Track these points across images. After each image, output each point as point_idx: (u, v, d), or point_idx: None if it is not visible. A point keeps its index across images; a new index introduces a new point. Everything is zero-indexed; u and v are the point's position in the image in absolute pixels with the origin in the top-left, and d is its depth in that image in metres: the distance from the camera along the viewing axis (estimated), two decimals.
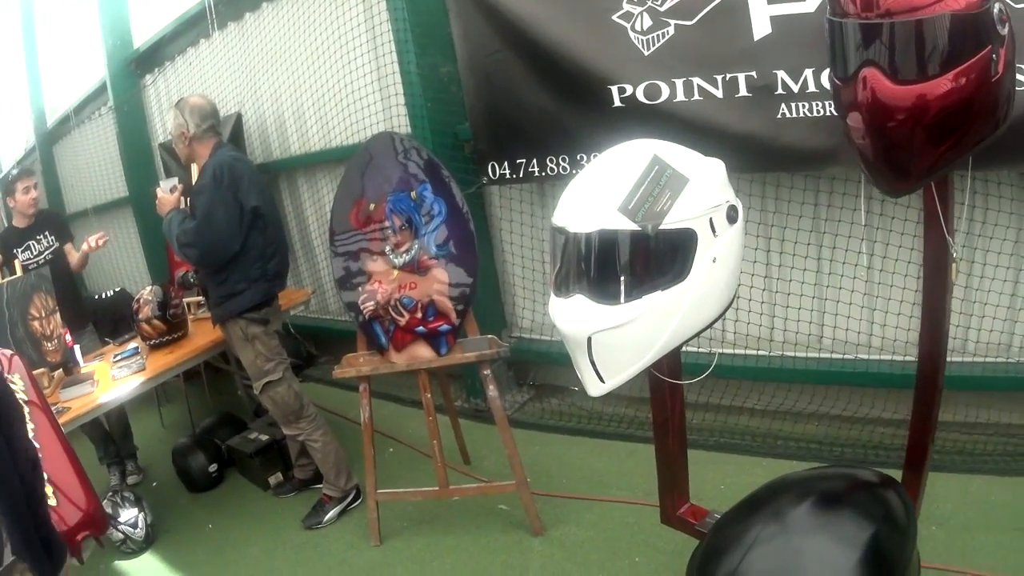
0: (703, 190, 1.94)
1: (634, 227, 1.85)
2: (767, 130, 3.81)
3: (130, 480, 5.68)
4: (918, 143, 1.95)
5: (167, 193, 4.41)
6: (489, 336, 4.02)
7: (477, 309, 4.09)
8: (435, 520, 4.40)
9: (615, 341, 1.92)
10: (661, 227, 1.86)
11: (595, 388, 1.99)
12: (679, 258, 1.90)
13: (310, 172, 6.73)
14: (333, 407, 5.94)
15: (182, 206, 4.39)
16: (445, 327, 3.98)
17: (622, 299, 1.89)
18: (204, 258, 4.25)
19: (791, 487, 1.81)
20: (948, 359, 3.99)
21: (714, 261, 1.94)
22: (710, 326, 2.06)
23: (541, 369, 5.80)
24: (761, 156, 3.86)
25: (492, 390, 4.01)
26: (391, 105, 5.52)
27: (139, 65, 8.44)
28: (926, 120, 1.91)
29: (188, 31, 7.48)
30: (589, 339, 1.93)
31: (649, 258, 1.90)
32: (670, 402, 2.35)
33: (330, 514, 4.61)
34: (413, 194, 4.00)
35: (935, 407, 2.22)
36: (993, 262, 3.82)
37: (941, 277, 2.00)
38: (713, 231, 1.93)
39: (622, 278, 1.90)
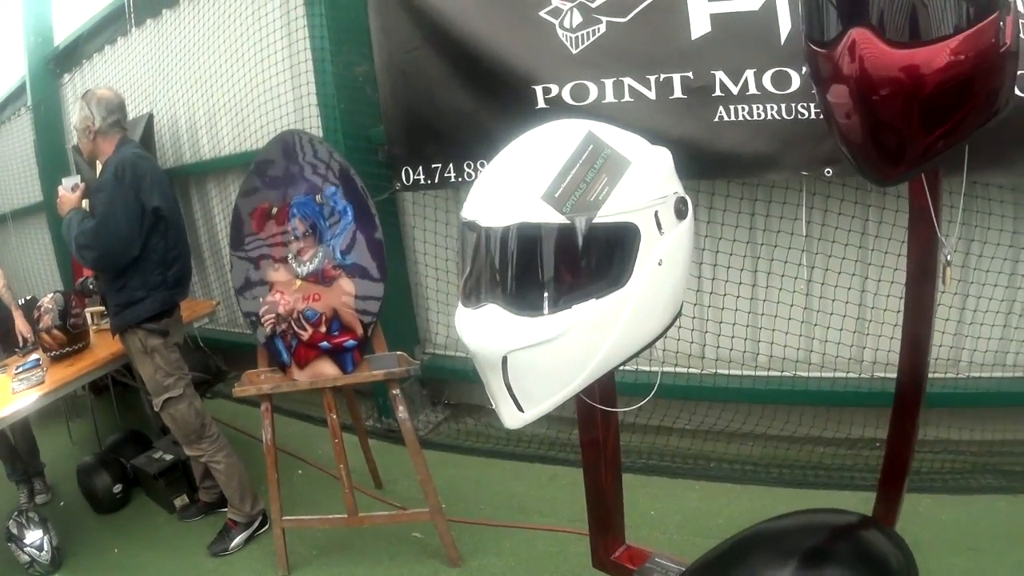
0: (647, 177, 1.50)
1: (562, 220, 1.41)
2: (703, 134, 3.54)
3: (39, 499, 5.18)
4: (914, 121, 1.52)
5: (68, 191, 3.99)
6: (399, 352, 3.61)
7: (387, 324, 3.71)
8: (346, 549, 3.98)
9: (537, 362, 1.48)
10: (596, 220, 1.43)
11: (512, 419, 1.54)
12: (617, 259, 1.47)
13: (220, 177, 6.33)
14: (242, 426, 5.50)
15: (84, 206, 3.99)
16: (351, 342, 3.54)
17: (546, 310, 1.45)
18: (102, 261, 3.82)
19: (766, 542, 1.35)
20: (883, 374, 3.76)
21: (660, 264, 1.51)
22: (652, 344, 1.61)
23: (456, 388, 5.44)
24: (697, 162, 3.53)
25: (402, 411, 3.57)
26: (304, 106, 5.12)
27: (58, 64, 7.97)
28: (923, 94, 1.50)
29: (107, 28, 7.07)
30: (505, 359, 1.48)
31: (580, 259, 1.45)
32: (602, 432, 1.92)
33: (236, 540, 4.17)
34: (318, 198, 3.58)
35: (915, 425, 1.80)
36: (954, 276, 3.56)
37: (927, 283, 1.60)
38: (659, 227, 1.50)
39: (546, 284, 1.45)
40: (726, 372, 4.13)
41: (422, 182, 4.52)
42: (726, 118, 3.47)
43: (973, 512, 3.43)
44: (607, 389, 1.84)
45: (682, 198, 1.56)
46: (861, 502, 3.47)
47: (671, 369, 4.18)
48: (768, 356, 4.06)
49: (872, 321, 3.78)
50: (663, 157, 1.59)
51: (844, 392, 3.83)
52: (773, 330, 3.99)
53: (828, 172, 3.36)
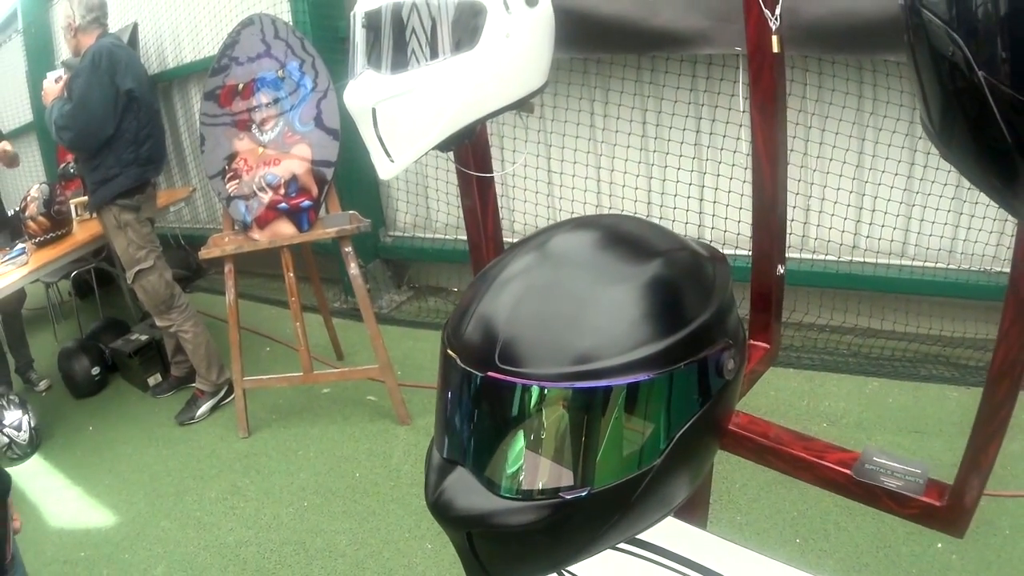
0: None
1: None
2: (639, 11, 3.71)
3: (41, 385, 5.46)
4: None
5: (52, 84, 4.31)
6: (351, 212, 3.91)
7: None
8: (303, 412, 4.34)
9: (400, 111, 1.79)
10: None
11: (385, 169, 1.83)
12: (468, 29, 1.75)
13: (201, 80, 6.40)
14: (218, 313, 5.71)
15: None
16: (306, 203, 3.87)
17: (406, 68, 1.74)
18: (78, 141, 4.17)
19: (554, 227, 1.32)
20: (837, 257, 3.99)
21: (507, 37, 1.79)
22: (513, 107, 1.89)
23: (419, 269, 5.74)
24: (634, 37, 3.76)
25: (353, 268, 3.89)
26: (277, 1, 5.33)
27: None
28: None
29: None
30: (374, 111, 1.79)
31: (432, 30, 1.75)
32: (480, 202, 2.14)
33: (202, 409, 4.52)
34: (280, 72, 3.90)
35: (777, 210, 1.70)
36: (895, 156, 3.73)
37: (764, 41, 1.67)
38: (507, 8, 1.78)
39: (409, 49, 1.76)
40: None
41: None
42: None
43: (922, 399, 3.55)
44: (482, 157, 2.10)
45: None
46: (805, 380, 3.73)
47: None
48: (710, 228, 4.21)
49: (812, 197, 3.98)
50: None
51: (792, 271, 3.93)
52: (714, 202, 4.13)
53: None
